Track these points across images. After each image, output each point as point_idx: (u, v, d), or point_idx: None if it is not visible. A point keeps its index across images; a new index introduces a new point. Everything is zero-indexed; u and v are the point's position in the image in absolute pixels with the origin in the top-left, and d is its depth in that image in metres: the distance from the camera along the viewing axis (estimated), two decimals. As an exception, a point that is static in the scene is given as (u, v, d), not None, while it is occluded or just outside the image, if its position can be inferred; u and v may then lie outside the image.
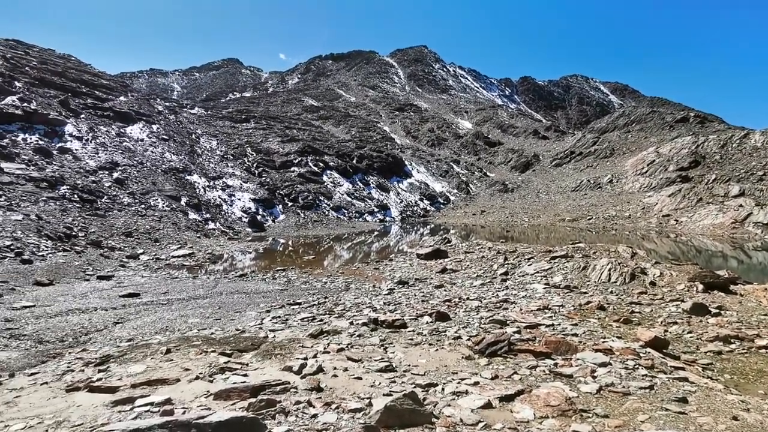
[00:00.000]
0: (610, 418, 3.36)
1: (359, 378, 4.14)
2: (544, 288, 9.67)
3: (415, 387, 3.83)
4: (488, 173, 59.89)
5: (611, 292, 9.11)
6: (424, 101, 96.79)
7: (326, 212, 38.45)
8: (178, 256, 18.38)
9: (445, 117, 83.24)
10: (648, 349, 5.35)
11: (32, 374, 4.79)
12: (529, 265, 12.55)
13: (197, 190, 32.59)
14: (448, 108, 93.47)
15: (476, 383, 4.06)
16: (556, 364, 4.71)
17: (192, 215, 28.17)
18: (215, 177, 35.90)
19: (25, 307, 8.85)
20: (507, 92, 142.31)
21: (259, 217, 32.66)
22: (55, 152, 27.61)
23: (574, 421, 3.27)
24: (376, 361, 4.71)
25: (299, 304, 9.12)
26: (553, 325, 6.43)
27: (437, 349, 5.30)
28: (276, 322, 7.27)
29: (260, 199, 35.59)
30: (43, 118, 30.35)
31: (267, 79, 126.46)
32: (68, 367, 4.97)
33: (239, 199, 34.46)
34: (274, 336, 6.13)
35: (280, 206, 36.46)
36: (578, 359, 4.85)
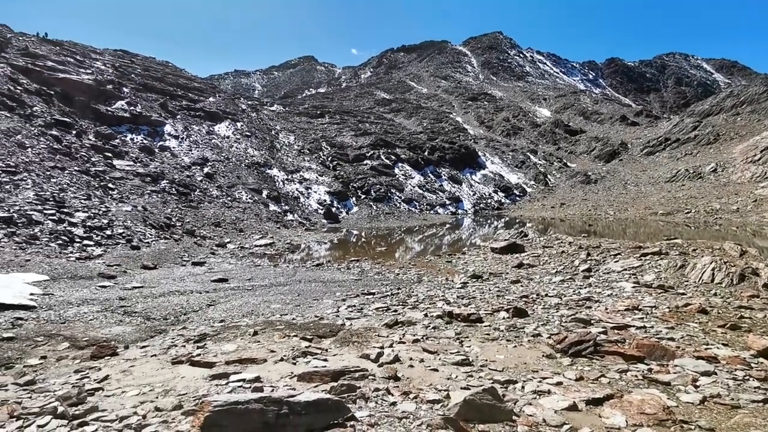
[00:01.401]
0: (717, 432, 3.03)
1: (435, 370, 4.13)
2: (633, 287, 8.93)
3: (493, 382, 3.73)
4: (569, 163, 56.47)
5: (715, 294, 8.17)
6: (499, 89, 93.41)
7: (398, 204, 38.75)
8: (260, 246, 19.62)
9: (522, 105, 79.68)
10: (761, 359, 4.73)
11: (143, 347, 5.40)
12: (615, 261, 11.66)
13: (276, 183, 34.48)
14: (525, 96, 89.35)
15: (559, 383, 3.87)
16: (650, 370, 4.33)
17: (272, 207, 29.88)
18: (293, 171, 37.70)
19: (135, 287, 9.99)
20: (591, 76, 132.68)
21: (333, 209, 33.80)
22: (156, 150, 30.71)
23: (673, 433, 2.99)
24: (452, 354, 4.67)
25: (373, 294, 9.30)
26: (644, 327, 5.92)
27: (515, 346, 5.12)
28: (352, 311, 7.49)
29: (334, 191, 36.79)
30: (147, 119, 33.85)
31: (340, 74, 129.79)
32: (172, 342, 5.53)
33: (315, 192, 35.91)
34: (351, 324, 6.32)
35: (353, 198, 37.41)
36: (676, 366, 4.42)
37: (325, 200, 35.21)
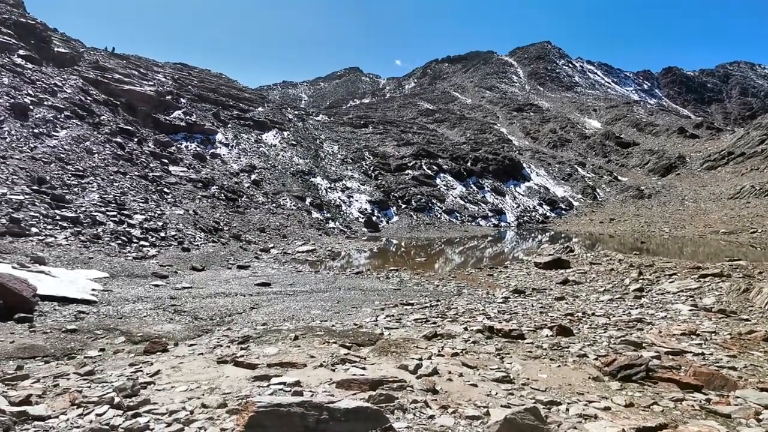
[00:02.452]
0: (787, 474, 2.77)
1: (475, 385, 4.05)
2: (691, 310, 8.37)
3: (536, 402, 3.61)
4: (620, 177, 54.02)
5: (784, 322, 7.51)
6: (546, 100, 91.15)
7: (438, 215, 38.49)
8: (302, 252, 20.06)
9: (570, 116, 77.29)
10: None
11: (191, 345, 5.65)
12: (670, 282, 10.99)
13: (320, 191, 35.22)
14: (573, 106, 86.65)
15: (607, 408, 3.68)
16: (708, 400, 4.04)
17: (315, 214, 30.53)
18: (336, 179, 38.40)
19: (185, 288, 10.49)
20: (646, 86, 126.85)
21: (374, 218, 34.05)
22: (208, 157, 32.26)
23: (735, 471, 2.76)
24: (492, 369, 4.56)
25: (411, 304, 9.26)
26: (703, 354, 5.53)
27: (559, 366, 4.93)
28: (390, 321, 7.48)
29: (376, 200, 37.09)
30: (200, 128, 35.69)
31: (384, 85, 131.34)
32: (217, 342, 5.75)
33: (356, 201, 36.36)
34: (389, 334, 6.32)
35: (394, 208, 37.53)
36: (738, 397, 4.10)
37: (366, 209, 35.56)
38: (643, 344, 5.86)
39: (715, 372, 4.62)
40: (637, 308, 8.70)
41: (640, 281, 11.45)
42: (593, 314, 8.04)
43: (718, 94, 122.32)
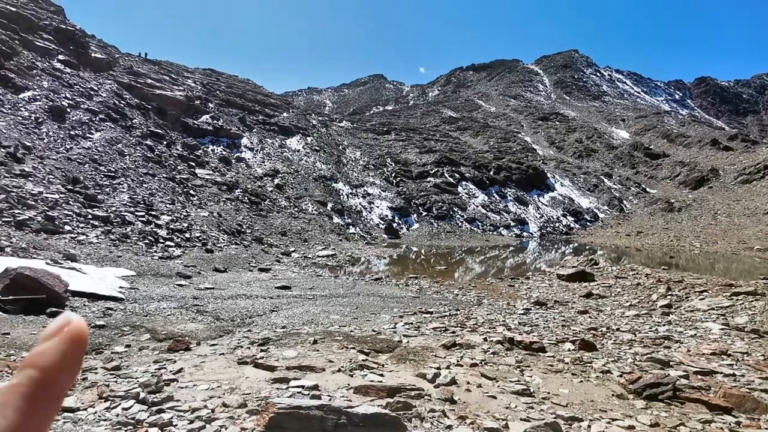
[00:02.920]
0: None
1: (494, 397, 3.99)
2: (722, 329, 8.05)
3: (556, 417, 3.53)
4: (648, 189, 52.58)
5: (823, 345, 7.14)
6: (572, 109, 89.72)
7: (459, 223, 38.21)
8: (323, 256, 20.20)
9: (596, 126, 75.80)
10: None
11: (212, 345, 5.76)
12: (700, 299, 10.61)
13: (341, 196, 35.47)
14: (601, 116, 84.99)
15: (631, 427, 3.57)
16: (738, 423, 3.88)
17: (335, 219, 30.74)
18: (357, 185, 38.62)
19: (207, 288, 10.71)
20: (677, 96, 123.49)
21: (394, 225, 34.06)
22: (233, 161, 32.95)
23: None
24: (511, 382, 4.49)
25: (431, 313, 9.20)
26: (734, 375, 5.31)
27: (581, 381, 4.81)
28: (409, 328, 7.46)
29: (396, 207, 37.11)
30: (227, 132, 36.53)
31: (408, 92, 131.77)
32: (238, 343, 5.84)
33: (377, 207, 36.45)
34: (408, 341, 6.30)
35: (415, 215, 37.46)
36: (772, 422, 3.92)
37: (386, 215, 35.61)
38: (671, 363, 5.68)
39: (746, 394, 4.43)
40: (664, 325, 8.42)
41: (669, 297, 11.08)
42: (618, 329, 7.82)
43: (754, 106, 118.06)
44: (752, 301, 9.75)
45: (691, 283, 12.59)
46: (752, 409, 4.19)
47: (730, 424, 3.81)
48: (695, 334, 7.65)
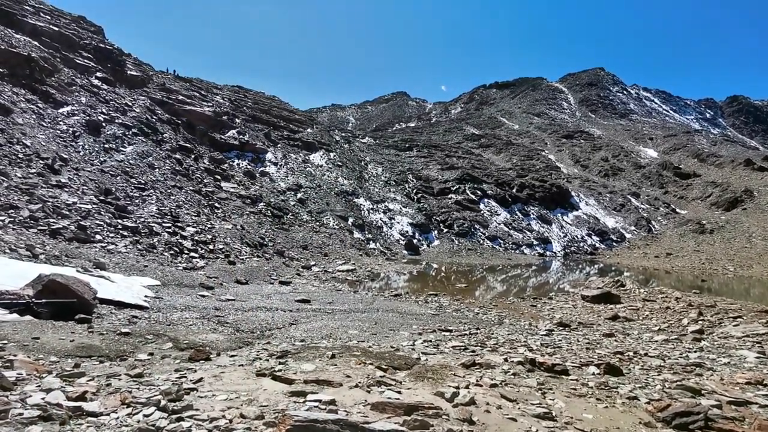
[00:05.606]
0: None
1: (513, 419, 3.88)
2: (758, 357, 7.65)
3: (579, 444, 3.41)
4: (678, 209, 51.00)
5: None
6: (598, 127, 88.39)
7: (481, 241, 37.79)
8: (343, 271, 20.25)
9: (623, 144, 74.35)
10: None
11: (232, 356, 5.81)
12: (734, 325, 10.13)
13: (362, 211, 35.65)
14: (627, 134, 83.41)
15: (659, 457, 3.41)
16: (777, 458, 3.65)
17: (356, 234, 30.85)
18: (378, 201, 38.78)
19: (229, 300, 10.85)
20: (708, 115, 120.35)
21: (415, 241, 33.94)
22: (257, 175, 33.63)
23: None
24: (533, 405, 4.36)
25: (450, 331, 9.07)
26: (771, 406, 5.02)
27: (606, 407, 4.64)
28: (428, 346, 7.36)
29: (417, 223, 37.03)
30: (252, 147, 37.41)
31: (431, 109, 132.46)
32: (257, 355, 5.88)
33: (398, 223, 36.45)
34: (426, 359, 6.21)
35: (436, 232, 37.27)
36: (814, 459, 3.67)
37: (407, 231, 35.54)
38: (703, 391, 5.41)
39: (786, 428, 4.18)
40: (696, 351, 8.06)
41: (700, 323, 10.63)
42: (646, 354, 7.53)
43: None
44: (791, 329, 9.25)
45: (725, 308, 12.06)
46: (792, 443, 3.94)
47: (767, 459, 3.60)
48: (729, 362, 7.29)
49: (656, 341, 8.95)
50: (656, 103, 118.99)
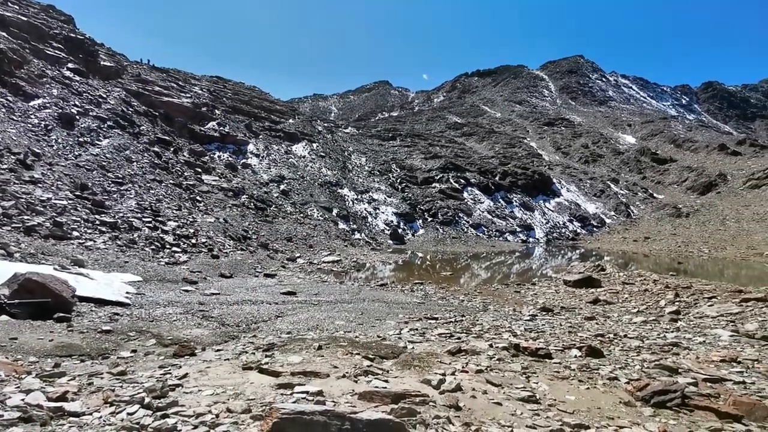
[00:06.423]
0: None
1: (499, 404, 3.96)
2: (731, 336, 7.95)
3: (562, 425, 3.50)
4: (655, 194, 52.22)
5: (836, 352, 7.02)
6: (578, 114, 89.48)
7: (465, 229, 38.10)
8: (328, 262, 20.21)
9: (603, 131, 75.51)
10: None
11: (218, 350, 5.76)
12: (709, 305, 10.49)
13: (347, 202, 35.53)
14: (607, 121, 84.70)
15: (638, 435, 3.53)
16: (748, 431, 3.82)
17: (341, 225, 30.77)
18: (362, 191, 38.68)
19: (213, 294, 10.74)
20: (684, 101, 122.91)
21: (399, 231, 34.03)
22: (239, 167, 33.14)
23: None
24: (517, 389, 4.45)
25: (436, 319, 9.16)
26: (744, 382, 5.23)
27: (588, 388, 4.76)
28: (414, 334, 7.42)
29: (402, 213, 37.10)
30: (233, 139, 36.78)
31: (413, 98, 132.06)
32: (243, 348, 5.84)
33: (383, 213, 36.46)
34: (413, 347, 6.27)
35: (420, 221, 37.42)
36: (783, 431, 3.85)
37: (392, 221, 35.60)
38: (679, 370, 5.61)
39: (756, 402, 4.36)
40: (672, 332, 8.33)
41: (677, 304, 10.97)
42: (625, 336, 7.74)
43: (762, 110, 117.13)
44: (762, 307, 9.63)
45: (700, 289, 12.46)
46: (763, 416, 4.12)
47: (740, 433, 3.75)
48: (704, 341, 7.55)
49: (635, 323, 9.21)
50: (634, 90, 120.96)
